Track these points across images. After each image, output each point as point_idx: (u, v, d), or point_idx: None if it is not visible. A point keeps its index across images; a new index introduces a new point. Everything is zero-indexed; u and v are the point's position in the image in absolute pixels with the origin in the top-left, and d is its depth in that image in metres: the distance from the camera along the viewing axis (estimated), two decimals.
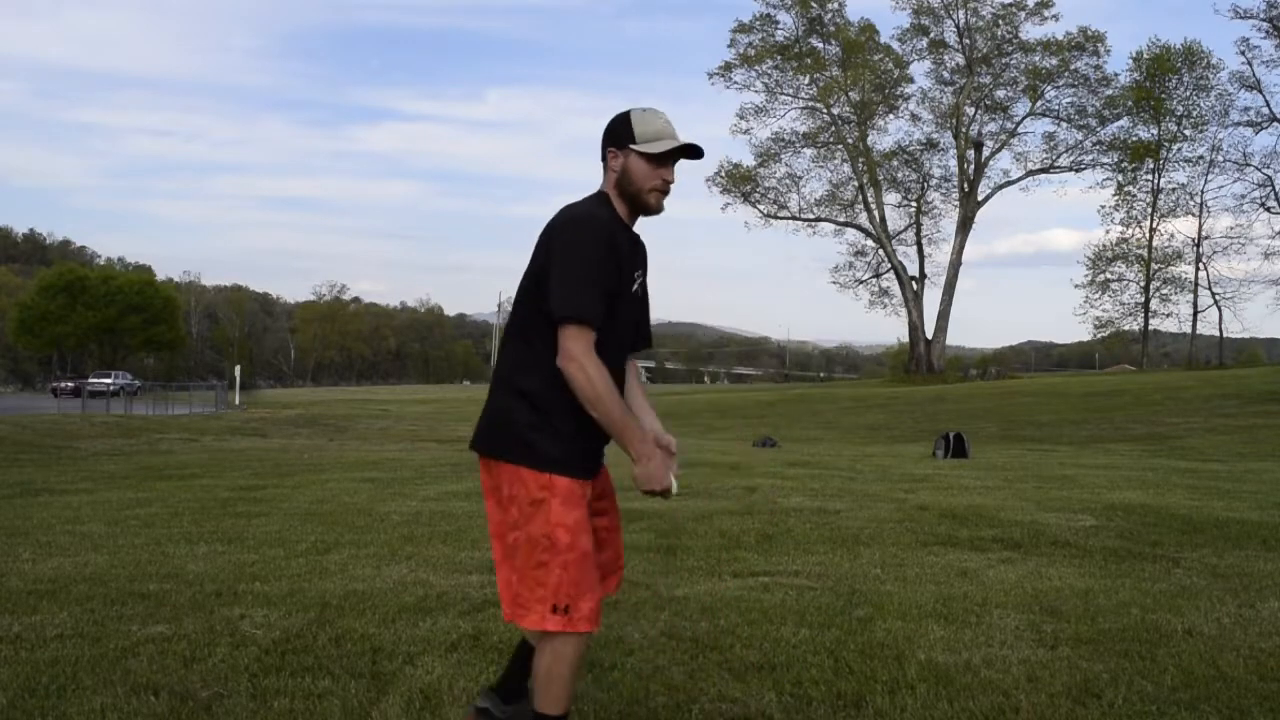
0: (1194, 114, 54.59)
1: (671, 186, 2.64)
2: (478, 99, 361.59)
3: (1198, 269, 55.50)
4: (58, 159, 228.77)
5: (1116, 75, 55.08)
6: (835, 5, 56.70)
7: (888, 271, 58.43)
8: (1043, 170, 56.94)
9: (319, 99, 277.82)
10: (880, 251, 58.29)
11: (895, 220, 58.97)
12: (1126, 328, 58.47)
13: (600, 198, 2.64)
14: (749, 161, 58.25)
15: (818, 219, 59.58)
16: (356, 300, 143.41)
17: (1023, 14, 54.26)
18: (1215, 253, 54.92)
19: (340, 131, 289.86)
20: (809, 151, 58.63)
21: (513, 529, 2.55)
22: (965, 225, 56.53)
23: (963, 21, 55.52)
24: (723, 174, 57.80)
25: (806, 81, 57.33)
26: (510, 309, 2.68)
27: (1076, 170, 56.75)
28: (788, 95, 58.11)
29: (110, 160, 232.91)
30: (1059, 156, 56.56)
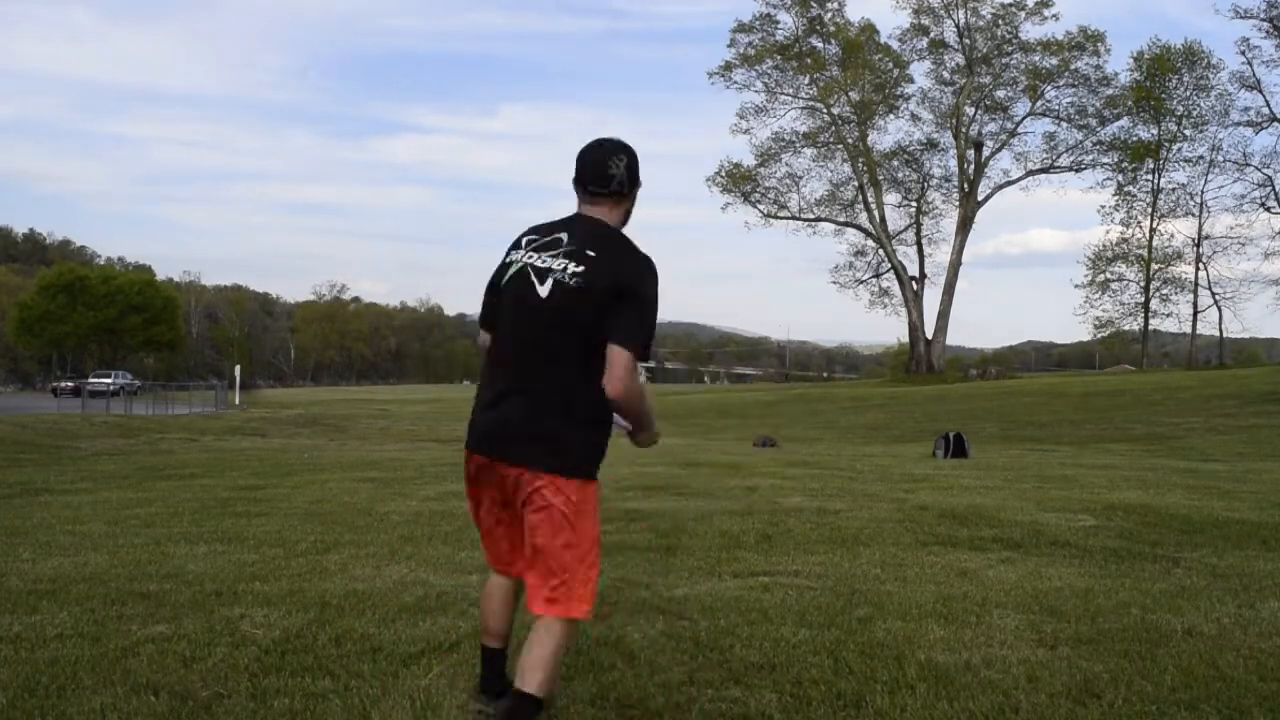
0: (1194, 114, 54.55)
1: None
2: (491, 114, 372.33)
3: (1198, 269, 55.51)
4: (86, 167, 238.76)
5: (1116, 75, 55.12)
6: (835, 5, 56.72)
7: (888, 271, 58.40)
8: (1043, 170, 56.89)
9: (343, 113, 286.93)
10: (880, 251, 58.24)
11: (895, 220, 58.98)
12: (1126, 328, 58.44)
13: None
14: (749, 161, 58.26)
15: (818, 219, 59.56)
16: (356, 300, 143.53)
17: (1023, 14, 54.22)
18: (1215, 253, 54.89)
19: (359, 143, 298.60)
20: (809, 151, 58.61)
21: None
22: (965, 225, 56.50)
23: (963, 21, 55.50)
24: (723, 174, 57.80)
25: (806, 81, 57.28)
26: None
27: (1076, 170, 56.74)
28: (788, 95, 58.10)
29: (136, 169, 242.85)
30: (1059, 156, 56.56)
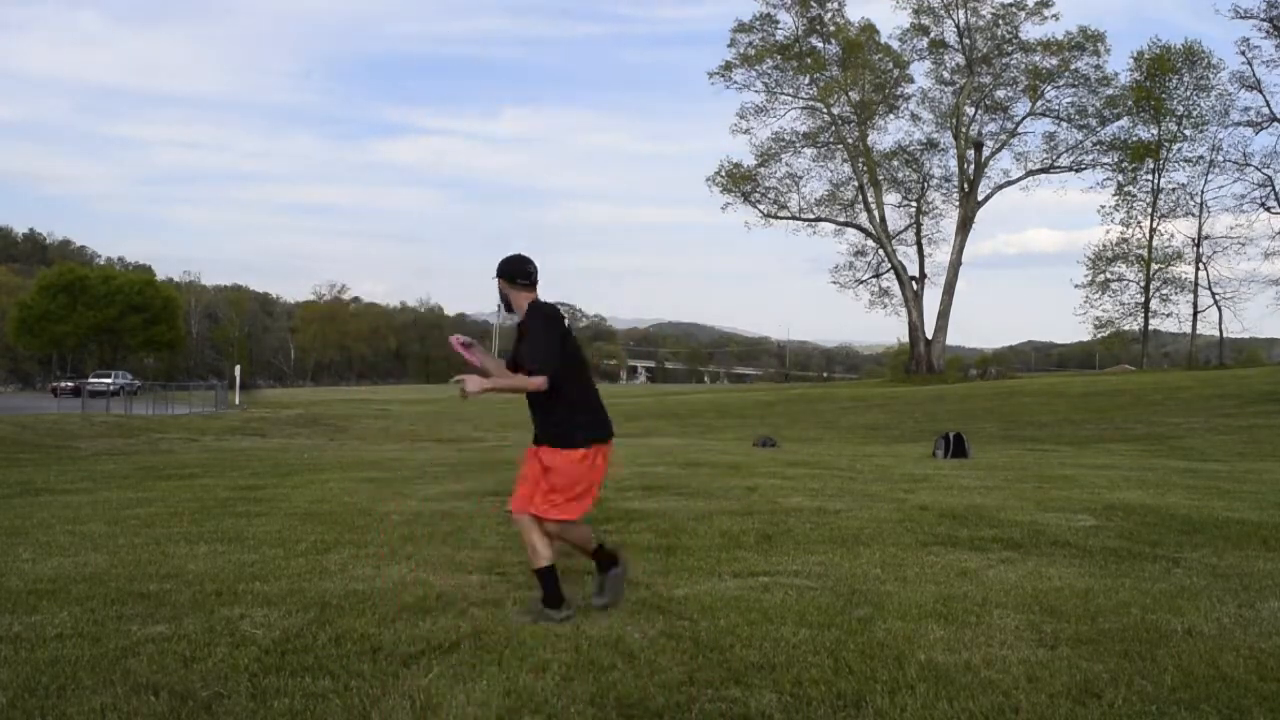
0: (1194, 114, 54.43)
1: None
2: (494, 116, 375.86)
3: (1198, 269, 55.42)
4: (90, 168, 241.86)
5: (1116, 75, 55.06)
6: (835, 5, 56.65)
7: (888, 271, 58.33)
8: (1043, 170, 56.79)
9: (345, 115, 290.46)
10: (880, 251, 58.19)
11: (895, 220, 58.85)
12: (1126, 328, 58.37)
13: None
14: (749, 161, 58.21)
15: (818, 219, 59.48)
16: (356, 300, 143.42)
17: (1023, 14, 54.13)
18: (1215, 253, 54.77)
19: (361, 144, 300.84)
20: (809, 151, 58.48)
21: None
22: (965, 225, 56.43)
23: (963, 21, 55.40)
24: (723, 174, 57.72)
25: (806, 81, 57.22)
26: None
27: (1077, 170, 56.63)
28: (788, 95, 58.01)
29: (138, 170, 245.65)
30: (1059, 156, 56.44)
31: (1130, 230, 56.36)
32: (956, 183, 57.98)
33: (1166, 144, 54.91)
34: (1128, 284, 57.13)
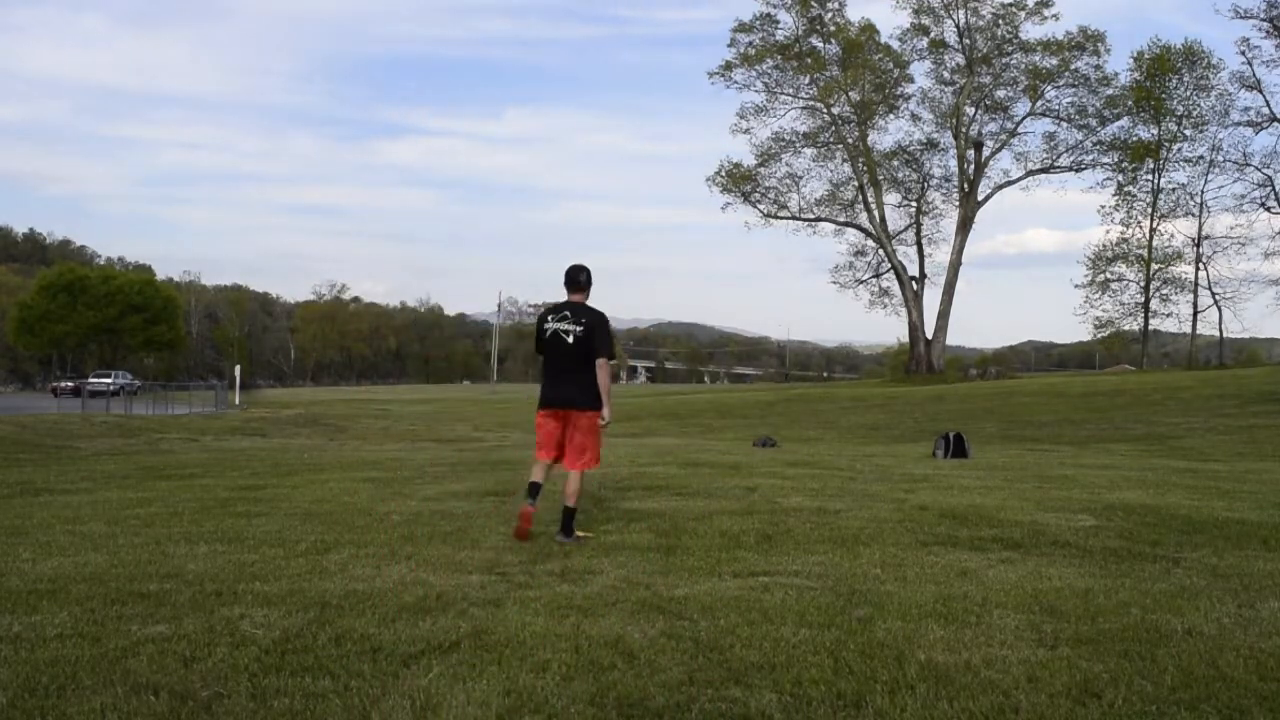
0: (1194, 114, 54.43)
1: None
2: (495, 117, 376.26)
3: (1198, 269, 55.41)
4: (91, 169, 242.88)
5: (1117, 75, 55.06)
6: (835, 5, 56.65)
7: (888, 271, 58.33)
8: (1043, 170, 56.78)
9: (346, 116, 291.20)
10: (880, 251, 58.20)
11: (895, 220, 58.83)
12: (1126, 328, 58.36)
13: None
14: (749, 161, 58.21)
15: (818, 219, 59.48)
16: (356, 300, 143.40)
17: (1023, 14, 54.13)
18: (1215, 253, 54.78)
19: (362, 145, 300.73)
20: (809, 151, 58.49)
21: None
22: (965, 225, 56.42)
23: (963, 21, 55.39)
24: (723, 174, 57.72)
25: (806, 81, 57.23)
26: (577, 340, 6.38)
27: (1077, 170, 56.62)
28: (788, 95, 58.00)
29: (139, 170, 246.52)
30: (1059, 156, 56.43)
31: (1130, 230, 56.39)
32: (956, 183, 57.98)
33: (1166, 144, 54.90)
34: (1128, 284, 57.14)
